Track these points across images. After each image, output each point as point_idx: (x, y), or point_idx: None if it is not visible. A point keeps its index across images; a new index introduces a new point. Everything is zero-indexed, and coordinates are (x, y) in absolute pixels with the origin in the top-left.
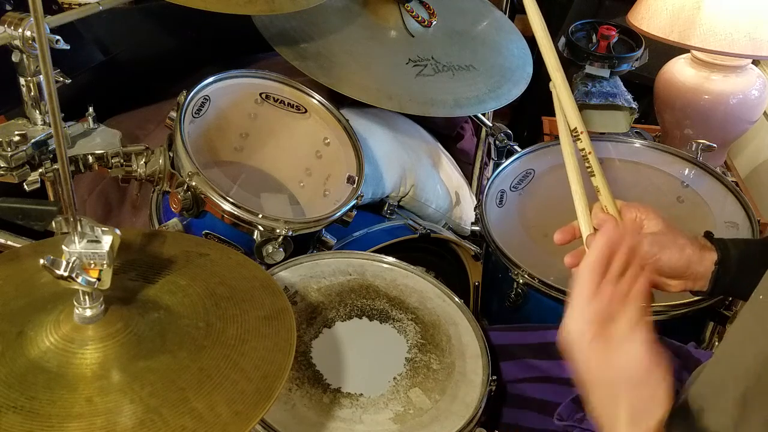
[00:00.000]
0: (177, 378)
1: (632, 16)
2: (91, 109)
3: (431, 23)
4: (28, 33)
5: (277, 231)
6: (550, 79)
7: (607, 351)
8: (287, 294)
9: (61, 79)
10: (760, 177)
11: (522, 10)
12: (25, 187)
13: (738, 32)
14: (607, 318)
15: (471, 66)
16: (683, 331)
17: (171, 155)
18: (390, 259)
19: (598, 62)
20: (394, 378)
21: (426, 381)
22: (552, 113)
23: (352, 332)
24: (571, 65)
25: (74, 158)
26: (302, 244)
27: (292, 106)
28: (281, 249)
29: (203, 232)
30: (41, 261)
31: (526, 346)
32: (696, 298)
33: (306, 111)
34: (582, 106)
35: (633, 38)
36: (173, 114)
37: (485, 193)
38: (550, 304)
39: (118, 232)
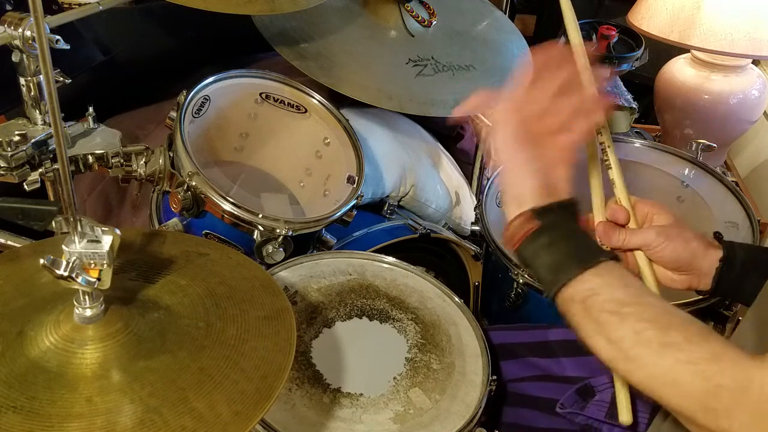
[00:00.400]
0: (177, 378)
1: (632, 16)
2: (91, 109)
3: (431, 23)
4: (28, 33)
5: (277, 231)
6: None
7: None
8: (287, 294)
9: (61, 79)
10: (760, 177)
11: (522, 10)
12: (25, 187)
13: (738, 32)
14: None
15: (471, 66)
16: None
17: (171, 155)
18: (390, 259)
19: (598, 62)
20: (394, 378)
21: (426, 381)
22: None
23: (352, 332)
24: None
25: (74, 158)
26: (302, 244)
27: (292, 106)
28: (281, 249)
29: (203, 232)
30: (41, 261)
31: (526, 344)
32: (696, 298)
33: (306, 111)
34: None
35: (633, 38)
36: (173, 114)
37: (485, 193)
38: (550, 304)
39: (118, 232)
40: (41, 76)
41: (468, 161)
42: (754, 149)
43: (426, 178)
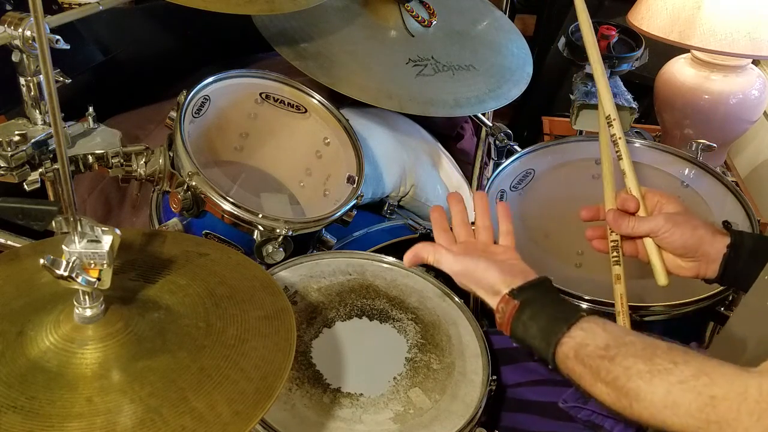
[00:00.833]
0: (177, 378)
1: (632, 16)
2: (91, 109)
3: (431, 23)
4: (28, 33)
5: (277, 231)
6: (550, 79)
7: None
8: (287, 294)
9: (61, 79)
10: (760, 177)
11: (522, 10)
12: (25, 186)
13: (738, 32)
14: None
15: (471, 66)
16: (683, 331)
17: (171, 155)
18: (390, 259)
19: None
20: (394, 378)
21: (426, 381)
22: (552, 113)
23: (352, 332)
24: (571, 65)
25: (74, 158)
26: (302, 244)
27: (292, 106)
28: (281, 249)
29: (203, 232)
30: (41, 261)
31: (521, 348)
32: (697, 297)
33: (306, 111)
34: (582, 106)
35: (633, 38)
36: (173, 114)
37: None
38: None
39: (118, 232)
40: (41, 76)
41: (468, 161)
42: (754, 149)
43: (426, 178)
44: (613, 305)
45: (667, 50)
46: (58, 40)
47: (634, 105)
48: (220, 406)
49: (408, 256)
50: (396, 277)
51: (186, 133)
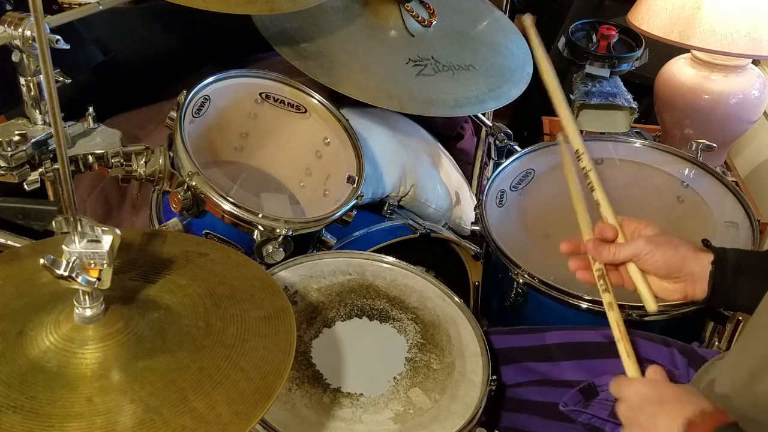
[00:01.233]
0: (177, 378)
1: (632, 16)
2: (91, 109)
3: (431, 23)
4: (28, 33)
5: (277, 231)
6: None
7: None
8: (287, 294)
9: (61, 78)
10: (760, 177)
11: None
12: (25, 186)
13: (738, 32)
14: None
15: (471, 66)
16: (683, 331)
17: (171, 155)
18: (390, 259)
19: (598, 62)
20: (394, 378)
21: (426, 381)
22: (552, 113)
23: (352, 332)
24: (571, 65)
25: (74, 158)
26: (302, 244)
27: (292, 106)
28: (281, 249)
29: (203, 232)
30: (41, 261)
31: (525, 349)
32: None
33: (306, 111)
34: (582, 106)
35: (633, 38)
36: (173, 114)
37: (485, 193)
38: (550, 304)
39: (118, 231)
40: (41, 76)
41: (468, 161)
42: (754, 149)
43: (426, 178)
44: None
45: (667, 50)
46: (58, 40)
47: (634, 105)
48: (220, 406)
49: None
50: (396, 277)
51: (186, 133)
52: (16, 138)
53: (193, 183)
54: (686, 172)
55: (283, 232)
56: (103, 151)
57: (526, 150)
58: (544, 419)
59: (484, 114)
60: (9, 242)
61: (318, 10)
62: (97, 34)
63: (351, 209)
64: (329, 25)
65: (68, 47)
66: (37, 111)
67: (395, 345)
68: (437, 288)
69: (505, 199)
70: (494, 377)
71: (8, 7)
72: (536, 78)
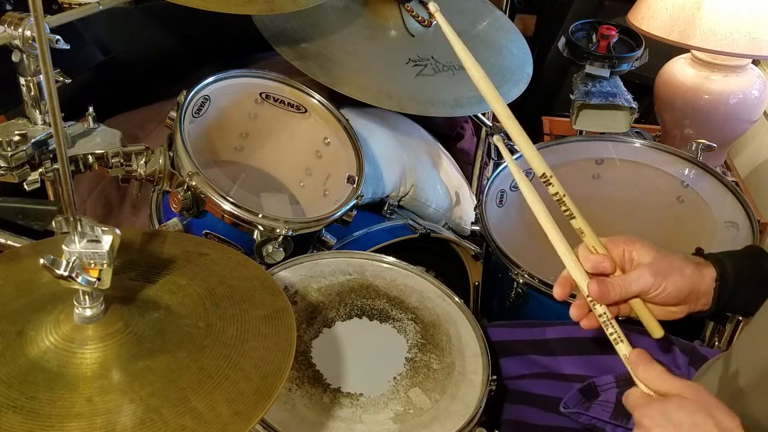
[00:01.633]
0: (177, 378)
1: (632, 16)
2: (91, 109)
3: (431, 23)
4: (28, 33)
5: (277, 231)
6: (550, 79)
7: None
8: (287, 294)
9: (61, 78)
10: (760, 177)
11: (522, 10)
12: (25, 186)
13: (738, 32)
14: None
15: None
16: (683, 331)
17: (171, 155)
18: (390, 258)
19: (598, 62)
20: (394, 378)
21: (426, 381)
22: (552, 113)
23: (352, 332)
24: (571, 65)
25: (74, 158)
26: (302, 244)
27: (292, 106)
28: (281, 249)
29: (203, 232)
30: (41, 261)
31: (527, 342)
32: None
33: (306, 111)
34: (582, 106)
35: (633, 38)
36: (173, 114)
37: (485, 193)
38: (550, 304)
39: (118, 231)
40: (41, 76)
41: (468, 161)
42: (754, 149)
43: (426, 178)
44: None
45: (667, 50)
46: (58, 40)
47: (634, 105)
48: (220, 406)
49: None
50: (396, 277)
51: (186, 133)
52: (16, 138)
53: (193, 183)
54: (686, 172)
55: (283, 232)
56: (103, 151)
57: None
58: (546, 412)
59: (484, 114)
60: (9, 242)
61: (318, 10)
62: (97, 34)
63: (351, 209)
64: (329, 25)
65: (68, 47)
66: (37, 111)
67: (395, 345)
68: (437, 288)
69: (505, 199)
70: (494, 377)
71: (8, 7)
72: (536, 78)
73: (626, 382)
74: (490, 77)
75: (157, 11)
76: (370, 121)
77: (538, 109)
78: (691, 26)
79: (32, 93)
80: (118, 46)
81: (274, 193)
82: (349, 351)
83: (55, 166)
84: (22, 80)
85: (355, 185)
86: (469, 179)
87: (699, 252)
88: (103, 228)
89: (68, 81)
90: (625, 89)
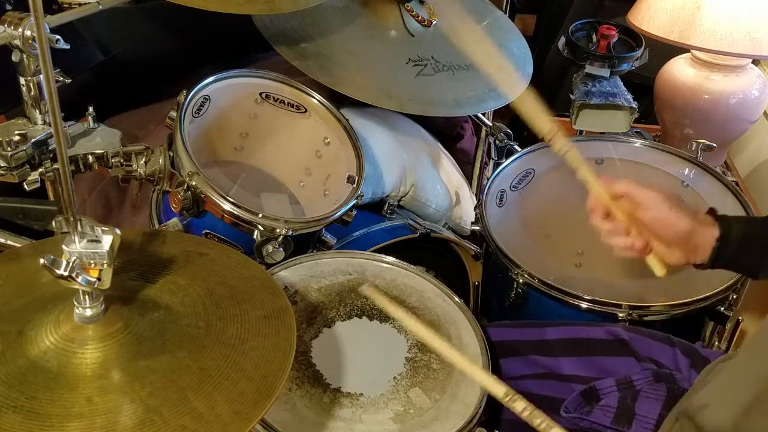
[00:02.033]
0: (177, 378)
1: (632, 16)
2: (91, 109)
3: (431, 23)
4: (28, 32)
5: (277, 231)
6: (550, 79)
7: None
8: (287, 294)
9: (61, 78)
10: (760, 177)
11: (522, 10)
12: (25, 186)
13: (738, 32)
14: None
15: (471, 66)
16: (683, 331)
17: (171, 155)
18: (390, 258)
19: (598, 62)
20: (394, 378)
21: (426, 380)
22: (552, 113)
23: (352, 332)
24: (571, 65)
25: (74, 158)
26: (302, 243)
27: (292, 106)
28: (281, 249)
29: (203, 232)
30: (41, 261)
31: (527, 342)
32: (696, 297)
33: (306, 111)
34: (582, 106)
35: (633, 38)
36: (173, 114)
37: (485, 193)
38: (550, 304)
39: (118, 231)
40: (41, 76)
41: (468, 161)
42: (754, 149)
43: (426, 178)
44: (613, 305)
45: (667, 50)
46: (58, 40)
47: (634, 105)
48: (220, 406)
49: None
50: (396, 277)
51: (186, 132)
52: (16, 138)
53: (193, 183)
54: (686, 172)
55: (283, 232)
56: (103, 151)
57: (526, 150)
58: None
59: (484, 114)
60: (9, 242)
61: (318, 10)
62: (97, 34)
63: (351, 209)
64: (329, 25)
65: (68, 47)
66: (37, 111)
67: (395, 345)
68: (437, 288)
69: (505, 199)
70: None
71: (8, 7)
72: (536, 78)
73: (627, 385)
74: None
75: (157, 11)
76: (370, 121)
77: None
78: (691, 26)
79: (32, 93)
80: (118, 46)
81: (274, 193)
82: (349, 351)
83: (55, 165)
84: (22, 80)
85: (355, 185)
86: (469, 179)
87: (711, 211)
88: (103, 228)
89: (68, 81)
90: (625, 89)
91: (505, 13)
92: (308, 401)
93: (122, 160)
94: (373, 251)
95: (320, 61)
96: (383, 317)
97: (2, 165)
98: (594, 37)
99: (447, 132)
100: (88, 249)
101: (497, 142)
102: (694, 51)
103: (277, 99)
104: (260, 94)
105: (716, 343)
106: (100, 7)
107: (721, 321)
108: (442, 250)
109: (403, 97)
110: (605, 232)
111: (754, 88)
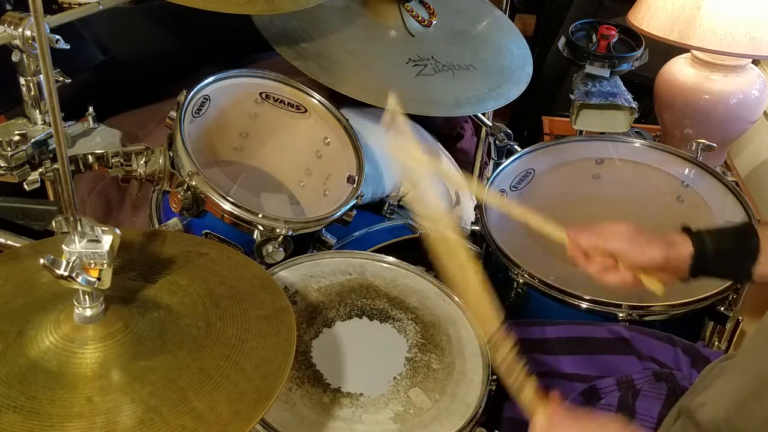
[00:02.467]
0: (177, 378)
1: (632, 15)
2: (91, 109)
3: (431, 23)
4: (28, 32)
5: (277, 231)
6: (550, 79)
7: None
8: (287, 294)
9: (61, 78)
10: (760, 177)
11: (522, 10)
12: (25, 186)
13: (738, 32)
14: None
15: (471, 66)
16: (683, 331)
17: (171, 155)
18: (390, 258)
19: (598, 62)
20: (394, 378)
21: (426, 380)
22: (552, 113)
23: (352, 332)
24: (571, 65)
25: (74, 158)
26: (302, 243)
27: (292, 106)
28: (281, 249)
29: (203, 232)
30: (41, 261)
31: (528, 341)
32: (696, 297)
33: (306, 111)
34: (582, 106)
35: (633, 38)
36: (173, 114)
37: (485, 193)
38: (550, 304)
39: (118, 231)
40: (41, 76)
41: (468, 161)
42: (754, 149)
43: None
44: (613, 305)
45: (667, 50)
46: (58, 40)
47: (634, 105)
48: (220, 406)
49: None
50: (396, 277)
51: (186, 132)
52: (16, 138)
53: (193, 183)
54: (686, 172)
55: (283, 232)
56: (103, 151)
57: (526, 150)
58: None
59: (484, 114)
60: (9, 242)
61: (318, 10)
62: (97, 34)
63: (351, 209)
64: (329, 25)
65: (68, 47)
66: (37, 111)
67: (395, 345)
68: (437, 288)
69: (505, 199)
70: (494, 377)
71: (8, 7)
72: (536, 78)
73: (628, 384)
74: (489, 77)
75: (157, 11)
76: (370, 121)
77: (538, 109)
78: (691, 26)
79: (32, 93)
80: (118, 46)
81: (274, 193)
82: (349, 351)
83: (55, 165)
84: (22, 80)
85: (355, 185)
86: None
87: (686, 229)
88: (103, 228)
89: (68, 81)
90: (625, 89)
91: (505, 13)
92: (308, 401)
93: (122, 160)
94: (373, 251)
95: (320, 61)
96: (383, 317)
97: (2, 165)
98: (594, 37)
99: (447, 132)
100: (88, 249)
101: (497, 142)
102: (694, 51)
103: (277, 99)
104: (260, 94)
105: (716, 343)
106: (100, 7)
107: (721, 321)
108: None
109: (403, 97)
110: (594, 273)
111: (754, 88)
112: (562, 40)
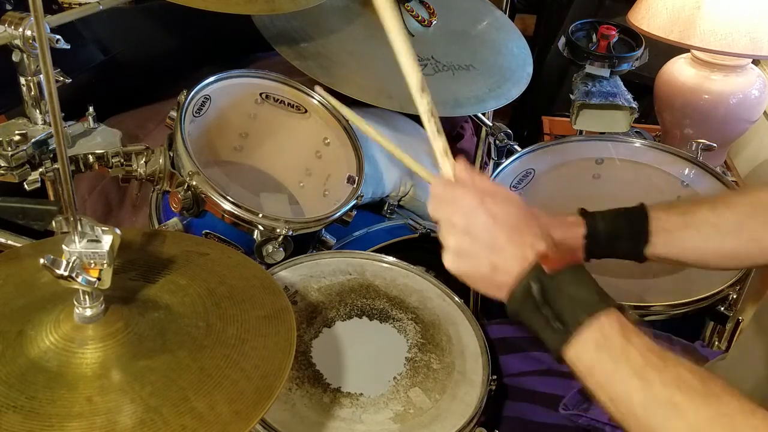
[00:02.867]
0: (177, 377)
1: (632, 15)
2: (91, 109)
3: (431, 23)
4: (28, 32)
5: (278, 231)
6: (550, 79)
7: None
8: (287, 294)
9: (61, 78)
10: (760, 177)
11: (522, 10)
12: (26, 186)
13: (738, 32)
14: None
15: (471, 66)
16: (683, 331)
17: (171, 155)
18: (390, 258)
19: (598, 62)
20: (394, 378)
21: (426, 380)
22: (552, 113)
23: (352, 332)
24: (571, 65)
25: (74, 158)
26: (302, 243)
27: (292, 106)
28: (281, 249)
29: (203, 232)
30: (41, 260)
31: (528, 338)
32: (696, 297)
33: (306, 111)
34: (582, 106)
35: (633, 38)
36: (173, 113)
37: None
38: None
39: (118, 231)
40: (41, 76)
41: (468, 161)
42: (754, 149)
43: None
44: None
45: (667, 50)
46: (58, 40)
47: (634, 105)
48: (220, 406)
49: None
50: (396, 276)
51: (186, 132)
52: (17, 138)
53: (194, 183)
54: (686, 171)
55: (283, 232)
56: (103, 151)
57: (526, 150)
58: (547, 409)
59: (484, 114)
60: (9, 242)
61: (318, 10)
62: (97, 34)
63: (351, 209)
64: (329, 25)
65: (68, 47)
66: (38, 111)
67: (395, 345)
68: (437, 288)
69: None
70: (494, 377)
71: (8, 7)
72: (536, 78)
73: None
74: (489, 77)
75: (157, 11)
76: (370, 121)
77: (538, 109)
78: (691, 26)
79: (32, 93)
80: (118, 46)
81: (273, 193)
82: (349, 351)
83: (55, 165)
84: (22, 80)
85: (355, 185)
86: None
87: (582, 211)
88: (103, 228)
89: (68, 81)
90: (625, 89)
91: (505, 13)
92: (308, 401)
93: (122, 160)
94: (373, 251)
95: (320, 61)
96: (383, 317)
97: (2, 165)
98: (594, 37)
99: (447, 132)
100: (88, 249)
101: (497, 142)
102: (694, 51)
103: (277, 99)
104: (260, 94)
105: (716, 343)
106: (100, 7)
107: (721, 321)
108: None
109: (403, 97)
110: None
111: (754, 88)
112: (562, 40)
